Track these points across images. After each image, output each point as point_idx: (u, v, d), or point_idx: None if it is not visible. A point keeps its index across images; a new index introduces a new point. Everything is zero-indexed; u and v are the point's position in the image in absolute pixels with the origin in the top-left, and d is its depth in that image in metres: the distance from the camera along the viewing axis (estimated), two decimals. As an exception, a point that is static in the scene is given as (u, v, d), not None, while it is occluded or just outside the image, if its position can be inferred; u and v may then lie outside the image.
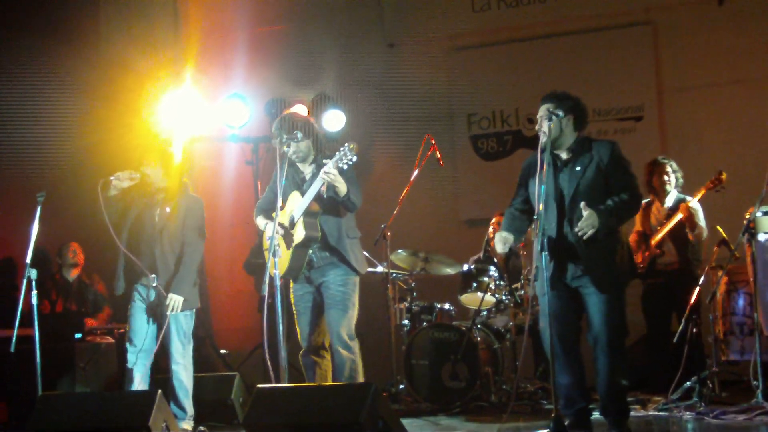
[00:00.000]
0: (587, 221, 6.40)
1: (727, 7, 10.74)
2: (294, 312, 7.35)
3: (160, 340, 7.54)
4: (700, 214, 8.98)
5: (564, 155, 6.67)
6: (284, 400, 6.40)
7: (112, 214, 7.56)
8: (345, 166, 6.80)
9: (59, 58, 10.73)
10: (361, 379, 7.20)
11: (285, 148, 7.19)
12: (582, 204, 6.43)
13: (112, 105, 10.48)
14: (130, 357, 7.56)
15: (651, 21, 11.09)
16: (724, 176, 8.83)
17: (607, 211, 6.45)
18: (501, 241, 6.81)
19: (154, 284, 7.53)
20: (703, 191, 8.89)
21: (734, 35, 10.73)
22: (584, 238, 6.42)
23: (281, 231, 7.14)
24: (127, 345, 7.62)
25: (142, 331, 7.61)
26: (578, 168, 6.59)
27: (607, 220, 6.44)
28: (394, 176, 10.29)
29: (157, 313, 7.63)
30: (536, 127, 6.69)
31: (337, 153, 6.81)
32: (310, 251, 7.18)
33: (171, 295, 7.54)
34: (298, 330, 7.34)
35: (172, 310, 7.54)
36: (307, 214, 7.07)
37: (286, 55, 12.05)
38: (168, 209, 7.70)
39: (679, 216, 8.94)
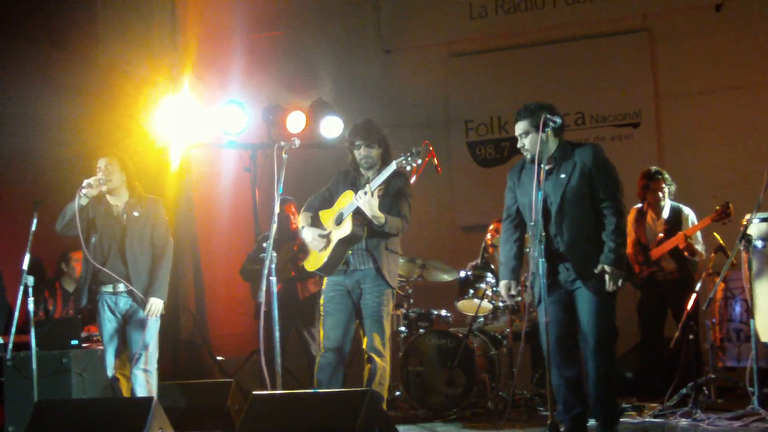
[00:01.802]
0: (610, 281, 6.52)
1: (724, 13, 10.74)
2: (321, 311, 7.39)
3: (140, 347, 7.49)
4: (698, 236, 8.97)
5: (547, 165, 6.67)
6: (280, 407, 6.41)
7: (82, 224, 7.52)
8: (408, 167, 6.94)
9: (56, 62, 10.73)
10: (387, 383, 7.33)
11: (355, 152, 7.30)
12: (598, 268, 6.54)
13: (109, 110, 10.48)
14: (110, 370, 7.58)
15: (648, 27, 11.09)
16: (731, 209, 8.63)
17: (615, 258, 6.53)
18: (506, 291, 6.87)
19: (122, 290, 7.52)
20: (707, 221, 8.78)
21: (731, 41, 10.73)
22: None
23: (322, 242, 7.24)
24: (106, 356, 7.61)
25: (116, 340, 7.59)
26: (563, 176, 6.62)
27: (620, 262, 6.54)
28: (391, 183, 10.28)
29: (128, 320, 7.57)
30: (518, 145, 6.73)
31: (405, 155, 6.97)
32: (349, 253, 7.23)
33: (152, 300, 7.50)
34: (321, 330, 7.37)
35: (154, 315, 7.51)
36: (358, 212, 7.11)
37: (283, 62, 12.06)
38: (136, 213, 7.66)
39: (677, 240, 8.91)
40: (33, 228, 7.42)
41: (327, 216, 7.37)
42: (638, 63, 11.05)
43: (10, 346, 7.57)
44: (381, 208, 7.10)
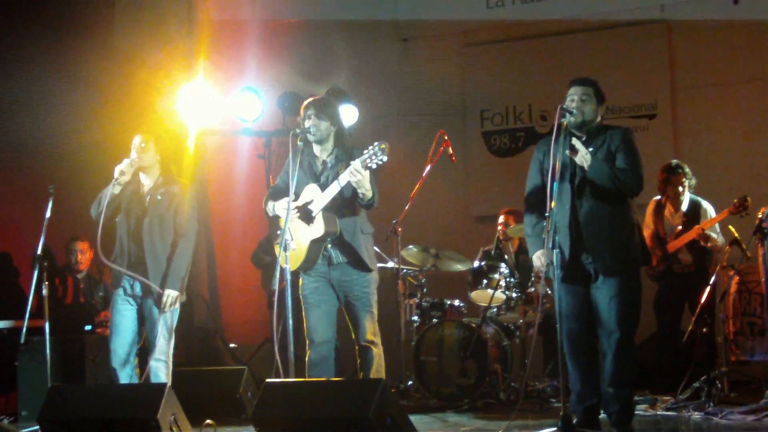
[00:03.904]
0: (586, 155, 6.47)
1: (743, 5, 10.66)
2: (303, 304, 7.23)
3: (153, 337, 7.32)
4: (716, 227, 8.91)
5: (583, 137, 6.65)
6: (293, 395, 6.40)
7: (109, 214, 7.34)
8: (374, 166, 6.69)
9: (72, 50, 10.74)
10: (384, 369, 7.18)
11: (306, 122, 7.10)
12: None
13: (124, 98, 10.48)
14: (114, 356, 7.34)
15: (665, 18, 11.03)
16: (749, 202, 8.52)
17: (605, 165, 6.49)
18: (543, 260, 6.72)
19: (136, 279, 7.33)
20: (725, 214, 8.67)
21: (749, 33, 10.68)
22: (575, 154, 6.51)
23: (295, 213, 7.06)
24: (111, 341, 7.39)
25: (125, 325, 7.37)
26: (591, 149, 6.58)
27: (601, 168, 6.48)
28: (405, 171, 10.27)
29: (141, 307, 7.39)
30: (571, 105, 6.62)
31: (366, 151, 6.68)
32: (329, 246, 7.08)
33: (167, 291, 7.29)
34: (305, 324, 7.20)
35: (168, 307, 7.32)
36: (326, 208, 6.99)
37: (299, 49, 12.04)
38: (159, 197, 7.45)
39: (693, 232, 8.85)
40: (48, 214, 7.41)
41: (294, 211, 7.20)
42: (655, 54, 11.00)
43: (24, 330, 7.58)
44: (346, 189, 6.94)
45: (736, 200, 8.58)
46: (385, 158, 6.67)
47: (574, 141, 6.51)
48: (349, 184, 6.79)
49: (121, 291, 7.44)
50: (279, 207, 7.12)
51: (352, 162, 6.75)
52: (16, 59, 10.61)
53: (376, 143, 6.68)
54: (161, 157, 7.56)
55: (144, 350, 7.53)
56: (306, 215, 7.03)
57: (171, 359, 7.46)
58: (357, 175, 6.69)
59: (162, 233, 7.43)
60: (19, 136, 10.44)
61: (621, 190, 6.54)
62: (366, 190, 6.78)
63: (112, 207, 7.37)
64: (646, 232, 9.14)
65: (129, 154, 7.50)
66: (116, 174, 7.33)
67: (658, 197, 9.22)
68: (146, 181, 7.55)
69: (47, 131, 10.43)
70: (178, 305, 7.46)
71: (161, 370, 7.38)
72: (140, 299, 7.41)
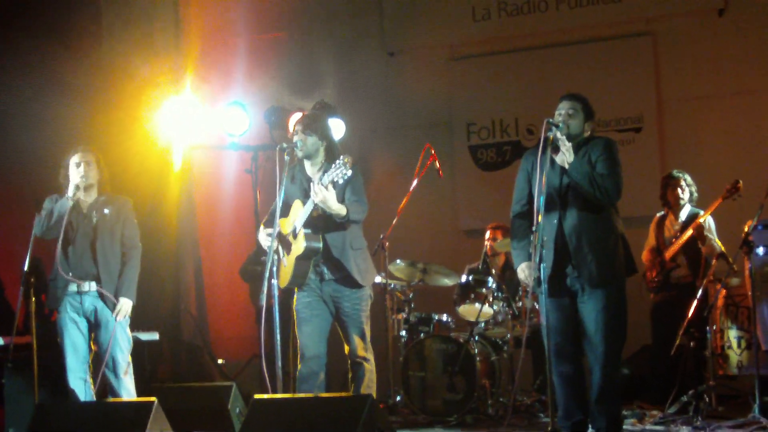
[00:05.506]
0: (567, 151, 6.49)
1: (728, 17, 10.71)
2: (295, 319, 7.24)
3: (109, 349, 7.39)
4: (712, 228, 8.90)
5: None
6: (281, 411, 6.40)
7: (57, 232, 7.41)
8: (340, 180, 6.71)
9: (59, 63, 10.70)
10: (375, 384, 7.20)
11: (295, 138, 7.14)
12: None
13: (111, 110, 10.46)
14: (70, 374, 7.41)
15: (651, 31, 11.06)
16: (740, 185, 8.57)
17: (585, 165, 6.52)
18: (528, 271, 6.74)
19: (87, 290, 7.39)
20: (719, 200, 8.70)
21: (735, 46, 10.70)
22: (558, 135, 6.51)
23: (278, 247, 7.10)
24: (66, 359, 7.43)
25: (78, 342, 7.44)
26: None
27: (581, 167, 6.49)
28: (392, 186, 10.28)
29: (91, 321, 7.45)
30: (557, 120, 6.64)
31: (332, 167, 6.71)
32: (320, 262, 7.08)
33: (122, 300, 7.41)
34: (298, 339, 7.21)
35: (122, 316, 7.42)
36: (308, 225, 6.99)
37: (286, 63, 12.04)
38: (106, 211, 7.54)
39: (690, 232, 8.85)
40: (34, 229, 7.39)
41: (285, 224, 7.20)
42: (641, 67, 11.02)
43: (11, 347, 7.56)
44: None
45: (727, 185, 8.60)
46: (349, 172, 6.66)
47: (558, 135, 6.52)
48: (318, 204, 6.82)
49: (67, 308, 7.46)
50: (262, 236, 7.20)
51: (314, 183, 6.80)
52: (3, 71, 10.58)
53: (341, 157, 6.70)
54: (102, 174, 7.63)
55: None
56: (292, 232, 7.04)
57: (131, 369, 7.56)
58: (319, 194, 6.70)
59: (113, 248, 7.54)
60: (6, 149, 10.41)
61: (598, 195, 6.54)
62: (335, 210, 6.78)
63: (61, 225, 7.40)
64: (647, 247, 9.16)
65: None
66: (71, 188, 7.39)
67: (661, 212, 9.24)
68: (87, 199, 7.61)
69: (35, 144, 10.39)
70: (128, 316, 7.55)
71: (126, 380, 7.49)
72: (90, 314, 7.46)
